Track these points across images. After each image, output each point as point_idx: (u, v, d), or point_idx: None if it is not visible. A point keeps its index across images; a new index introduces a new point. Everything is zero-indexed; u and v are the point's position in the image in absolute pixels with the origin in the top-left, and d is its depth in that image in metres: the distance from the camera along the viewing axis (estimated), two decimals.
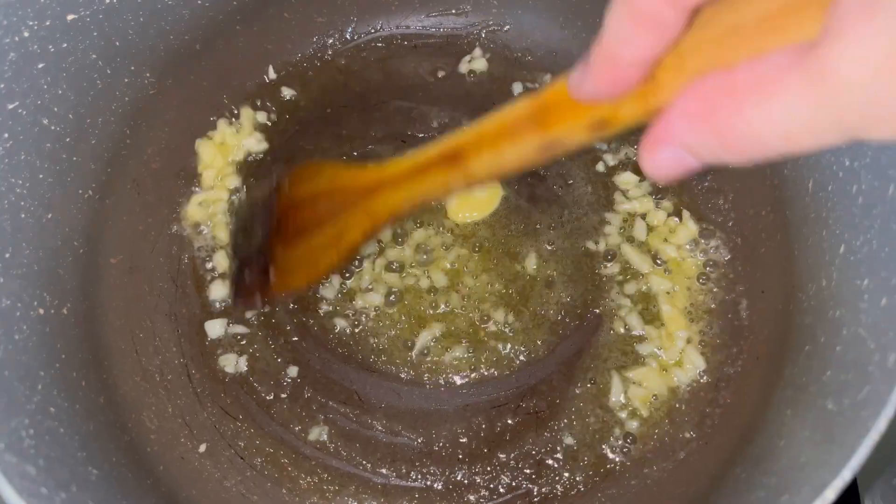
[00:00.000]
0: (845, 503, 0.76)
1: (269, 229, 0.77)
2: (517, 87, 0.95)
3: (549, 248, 0.87)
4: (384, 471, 0.80)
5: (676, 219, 0.88)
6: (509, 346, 0.84)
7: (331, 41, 0.97)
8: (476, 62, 0.96)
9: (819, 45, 0.30)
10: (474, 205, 0.90)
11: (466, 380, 0.83)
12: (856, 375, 0.56)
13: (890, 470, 0.79)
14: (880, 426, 0.49)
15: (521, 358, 0.84)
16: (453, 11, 0.98)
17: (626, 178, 0.91)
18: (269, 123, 0.93)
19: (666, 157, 0.37)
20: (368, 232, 0.71)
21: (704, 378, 0.81)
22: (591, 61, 0.37)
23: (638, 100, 0.38)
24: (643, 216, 0.88)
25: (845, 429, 0.52)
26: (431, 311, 0.85)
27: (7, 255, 0.66)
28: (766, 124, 0.32)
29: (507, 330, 0.84)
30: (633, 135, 0.92)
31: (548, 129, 0.46)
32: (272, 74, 0.95)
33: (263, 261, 0.76)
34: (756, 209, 0.83)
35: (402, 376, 0.84)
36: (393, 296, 0.86)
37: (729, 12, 0.35)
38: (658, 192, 0.90)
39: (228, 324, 0.85)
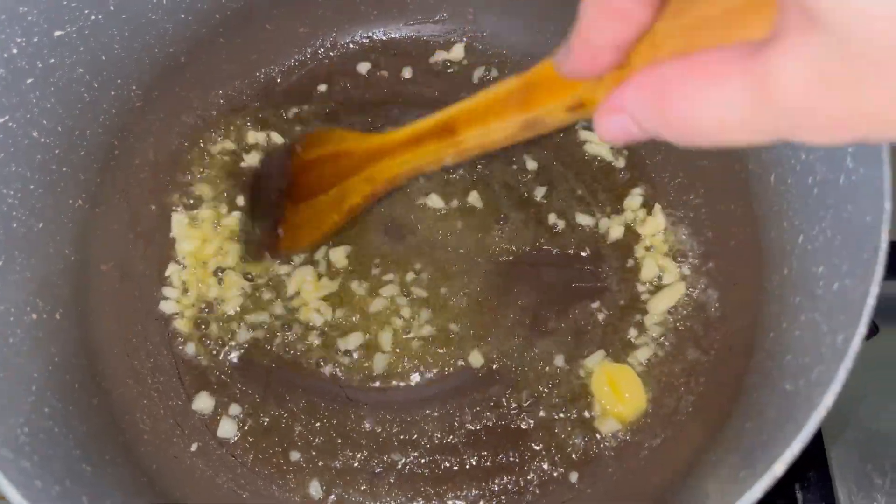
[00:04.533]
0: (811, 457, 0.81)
1: (282, 190, 0.84)
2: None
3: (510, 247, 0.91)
4: (374, 462, 0.83)
5: (646, 211, 0.91)
6: (484, 342, 0.87)
7: (312, 51, 1.00)
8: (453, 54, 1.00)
9: (765, 47, 0.31)
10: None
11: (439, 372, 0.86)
12: (811, 357, 0.59)
13: (853, 423, 0.85)
14: (828, 402, 0.51)
15: (495, 353, 0.86)
16: (431, 20, 1.01)
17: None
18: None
19: (616, 122, 0.40)
20: (367, 196, 0.77)
21: (677, 368, 0.84)
22: (571, 43, 0.41)
23: (614, 82, 0.41)
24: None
25: (799, 407, 0.55)
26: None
27: (0, 263, 0.69)
28: (704, 111, 0.34)
29: (479, 329, 0.87)
30: None
31: (531, 107, 0.50)
32: (255, 86, 0.98)
33: (274, 219, 0.84)
34: (726, 204, 0.86)
35: (383, 374, 0.86)
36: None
37: (700, 3, 0.37)
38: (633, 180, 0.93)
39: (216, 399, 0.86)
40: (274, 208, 0.85)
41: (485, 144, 0.59)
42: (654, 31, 0.39)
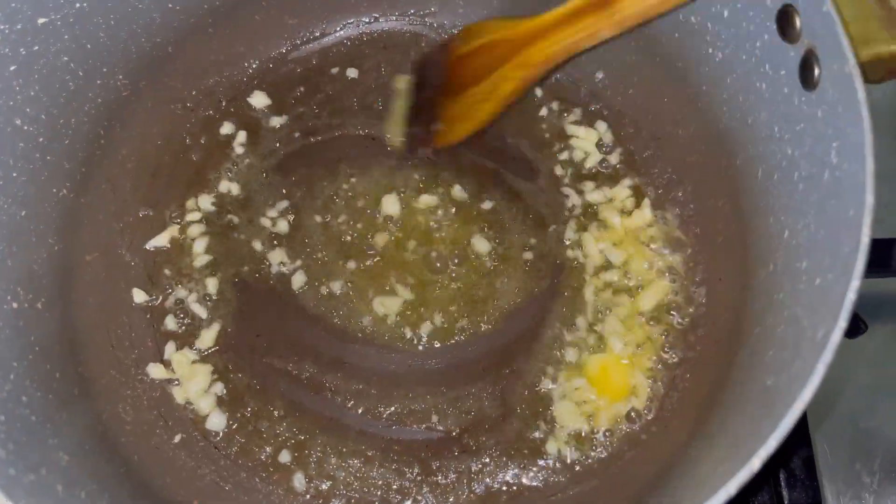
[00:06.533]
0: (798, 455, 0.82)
1: (438, 87, 0.85)
2: None
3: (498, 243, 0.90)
4: (359, 454, 0.83)
5: (634, 202, 0.91)
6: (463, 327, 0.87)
7: (301, 42, 0.99)
8: None
9: None
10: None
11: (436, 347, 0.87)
12: (791, 352, 0.59)
13: (841, 421, 0.87)
14: (805, 397, 0.51)
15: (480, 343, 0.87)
16: (421, 12, 1.00)
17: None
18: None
19: None
20: (522, 82, 0.76)
21: (662, 364, 0.84)
22: None
23: None
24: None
25: (779, 402, 0.55)
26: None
27: None
28: None
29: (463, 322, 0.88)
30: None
31: None
32: (244, 76, 0.97)
33: (430, 115, 0.85)
34: (714, 200, 0.86)
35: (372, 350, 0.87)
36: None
37: None
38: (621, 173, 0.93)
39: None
40: (430, 106, 0.86)
41: (647, 9, 0.60)
42: None
